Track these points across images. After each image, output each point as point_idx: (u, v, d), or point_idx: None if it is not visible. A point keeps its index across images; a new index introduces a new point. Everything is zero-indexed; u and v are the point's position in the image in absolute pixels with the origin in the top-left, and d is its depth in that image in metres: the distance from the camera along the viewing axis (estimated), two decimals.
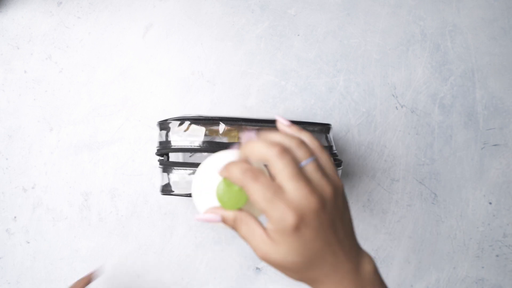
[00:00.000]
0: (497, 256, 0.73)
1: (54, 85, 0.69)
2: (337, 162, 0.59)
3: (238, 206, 0.34)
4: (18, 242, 0.69)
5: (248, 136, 0.34)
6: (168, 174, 0.58)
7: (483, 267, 0.73)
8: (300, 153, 0.32)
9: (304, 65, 0.71)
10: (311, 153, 0.33)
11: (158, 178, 0.68)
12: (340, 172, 0.60)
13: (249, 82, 0.70)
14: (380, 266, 0.72)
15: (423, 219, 0.72)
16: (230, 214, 0.34)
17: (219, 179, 0.35)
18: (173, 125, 0.57)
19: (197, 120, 0.56)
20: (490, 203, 0.72)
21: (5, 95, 0.68)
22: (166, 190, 0.58)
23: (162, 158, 0.59)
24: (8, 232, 0.69)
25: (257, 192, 0.30)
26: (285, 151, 0.31)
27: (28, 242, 0.69)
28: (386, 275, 0.72)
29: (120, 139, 0.69)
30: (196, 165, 0.57)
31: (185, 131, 0.57)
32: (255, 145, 0.32)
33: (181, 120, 0.57)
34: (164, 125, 0.58)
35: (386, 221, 0.72)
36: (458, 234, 0.72)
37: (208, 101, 0.70)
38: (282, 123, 0.35)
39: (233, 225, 0.34)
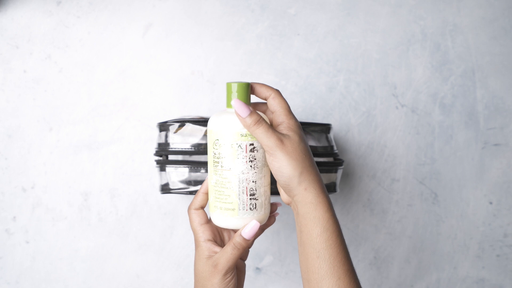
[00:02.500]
0: (497, 256, 0.73)
1: (54, 84, 0.69)
2: (338, 162, 0.59)
3: None
4: (17, 242, 0.69)
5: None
6: (166, 173, 0.58)
7: (483, 267, 0.73)
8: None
9: (304, 64, 0.70)
10: None
11: (157, 178, 0.68)
12: (341, 171, 0.60)
13: (249, 81, 0.70)
14: (380, 266, 0.72)
15: (424, 219, 0.72)
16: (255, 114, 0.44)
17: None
18: (173, 127, 0.57)
19: (197, 122, 0.56)
20: (491, 203, 0.72)
21: (4, 94, 0.68)
22: (166, 188, 0.58)
23: (161, 158, 0.59)
24: (7, 232, 0.69)
25: (260, 133, 0.42)
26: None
27: (28, 242, 0.69)
28: (386, 275, 0.72)
29: (120, 139, 0.69)
30: (194, 163, 0.57)
31: (184, 133, 0.56)
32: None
33: (181, 121, 0.57)
34: (164, 127, 0.58)
35: (386, 221, 0.72)
36: (459, 234, 0.72)
37: (208, 101, 0.70)
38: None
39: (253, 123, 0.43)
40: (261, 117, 0.43)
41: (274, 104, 0.44)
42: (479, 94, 0.72)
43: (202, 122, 0.56)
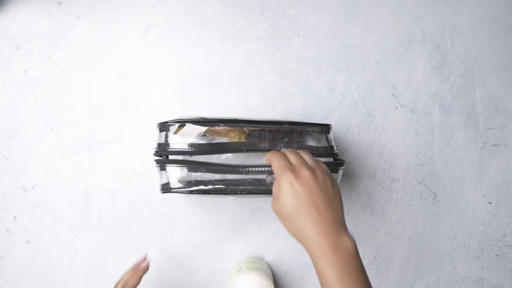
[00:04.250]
0: (497, 256, 0.73)
1: (54, 85, 0.69)
2: (338, 162, 0.59)
3: None
4: (18, 242, 0.69)
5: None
6: (167, 172, 0.58)
7: (483, 267, 0.73)
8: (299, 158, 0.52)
9: (304, 65, 0.71)
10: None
11: (157, 177, 0.68)
12: (341, 172, 0.60)
13: (249, 82, 0.70)
14: (380, 266, 0.72)
15: (423, 219, 0.72)
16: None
17: None
18: (173, 127, 0.57)
19: (197, 122, 0.56)
20: (490, 203, 0.72)
21: (5, 95, 0.68)
22: (166, 188, 0.58)
23: (161, 158, 0.59)
24: (8, 232, 0.69)
25: (276, 163, 0.49)
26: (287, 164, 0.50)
27: (28, 242, 0.69)
28: (386, 275, 0.72)
29: (120, 139, 0.69)
30: (194, 163, 0.57)
31: (184, 133, 0.57)
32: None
33: (181, 122, 0.57)
34: (164, 127, 0.58)
35: (386, 221, 0.72)
36: (458, 234, 0.72)
37: (208, 101, 0.70)
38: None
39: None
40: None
41: (269, 160, 0.53)
42: (479, 95, 0.72)
43: (202, 122, 0.56)
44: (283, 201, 0.46)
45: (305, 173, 0.47)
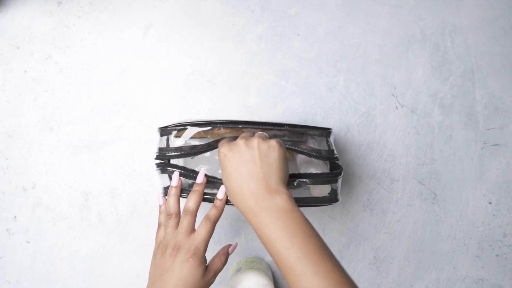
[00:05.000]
0: (497, 256, 0.73)
1: (54, 85, 0.69)
2: (337, 171, 0.58)
3: None
4: (18, 242, 0.69)
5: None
6: (168, 176, 0.58)
7: (483, 267, 0.73)
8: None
9: (304, 65, 0.71)
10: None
11: (158, 180, 0.68)
12: (340, 180, 0.58)
13: (249, 82, 0.70)
14: (380, 266, 0.72)
15: (423, 219, 0.72)
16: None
17: None
18: (174, 131, 0.57)
19: (197, 125, 0.56)
20: (490, 203, 0.72)
21: (5, 95, 0.68)
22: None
23: (163, 161, 0.59)
24: (8, 232, 0.69)
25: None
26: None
27: (28, 242, 0.69)
28: (386, 275, 0.72)
29: (120, 139, 0.69)
30: (195, 172, 0.57)
31: (185, 137, 0.57)
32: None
33: (182, 125, 0.57)
34: (165, 131, 0.58)
35: (386, 221, 0.72)
36: (458, 234, 0.72)
37: (208, 101, 0.70)
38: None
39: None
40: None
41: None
42: (479, 95, 0.72)
43: (203, 124, 0.56)
44: (223, 174, 0.48)
45: (238, 142, 0.48)
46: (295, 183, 0.53)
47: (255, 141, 0.48)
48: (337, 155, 0.59)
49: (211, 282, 0.50)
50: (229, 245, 0.55)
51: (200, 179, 0.53)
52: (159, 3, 0.70)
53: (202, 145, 0.55)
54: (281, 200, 0.44)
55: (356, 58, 0.71)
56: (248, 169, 0.46)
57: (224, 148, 0.48)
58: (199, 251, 0.49)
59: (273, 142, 0.48)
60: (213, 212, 0.52)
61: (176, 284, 0.46)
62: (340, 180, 0.58)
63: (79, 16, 0.69)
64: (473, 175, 0.72)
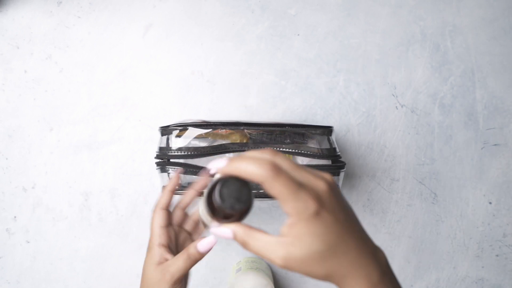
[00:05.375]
0: (497, 256, 0.73)
1: (54, 85, 0.69)
2: (340, 164, 0.59)
3: None
4: (18, 242, 0.69)
5: (219, 162, 0.34)
6: (168, 175, 0.58)
7: (483, 267, 0.73)
8: (286, 163, 0.33)
9: (304, 65, 0.71)
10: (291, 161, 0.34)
11: (158, 179, 0.68)
12: (342, 174, 0.60)
13: (249, 82, 0.70)
14: None
15: (423, 219, 0.72)
16: (239, 229, 0.34)
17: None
18: (175, 131, 0.57)
19: (198, 125, 0.56)
20: (490, 203, 0.72)
21: (4, 94, 0.68)
22: None
23: (163, 161, 0.59)
24: (8, 232, 0.69)
25: (282, 186, 0.31)
26: (277, 168, 0.32)
27: (28, 242, 0.69)
28: None
29: (120, 139, 0.69)
30: (197, 166, 0.57)
31: (186, 137, 0.57)
32: (243, 164, 0.32)
33: (183, 125, 0.57)
34: (166, 131, 0.58)
35: (386, 221, 0.72)
36: (458, 234, 0.72)
37: (208, 101, 0.70)
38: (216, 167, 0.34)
39: (242, 241, 0.34)
40: (244, 228, 0.34)
41: (272, 192, 0.32)
42: (479, 95, 0.72)
43: (204, 125, 0.56)
44: (311, 244, 0.31)
45: (321, 188, 0.32)
46: None
47: (331, 184, 0.33)
48: (339, 153, 0.60)
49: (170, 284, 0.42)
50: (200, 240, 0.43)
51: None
52: (159, 3, 0.70)
53: (204, 148, 0.55)
54: (383, 254, 0.35)
55: (356, 58, 0.71)
56: (349, 226, 0.34)
57: (312, 204, 0.32)
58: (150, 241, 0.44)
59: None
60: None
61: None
62: (342, 174, 0.59)
63: (79, 16, 0.69)
64: (473, 175, 0.72)
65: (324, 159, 0.58)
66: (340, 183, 0.59)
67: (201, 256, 0.42)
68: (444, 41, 0.72)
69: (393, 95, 0.71)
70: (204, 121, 0.59)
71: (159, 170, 0.58)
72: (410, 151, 0.72)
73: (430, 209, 0.72)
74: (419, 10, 0.72)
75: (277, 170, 0.31)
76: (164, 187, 0.49)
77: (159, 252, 0.44)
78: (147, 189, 0.69)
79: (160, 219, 0.46)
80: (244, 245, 0.34)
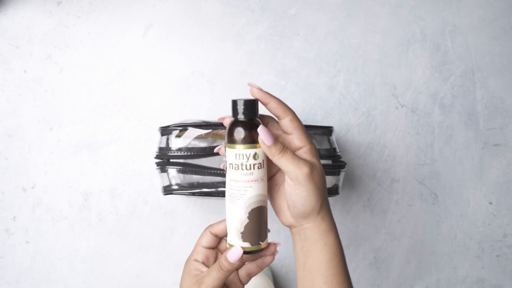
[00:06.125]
0: (497, 256, 0.73)
1: (54, 85, 0.69)
2: (340, 164, 0.59)
3: None
4: (17, 242, 0.69)
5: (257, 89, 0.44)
6: (168, 174, 0.58)
7: (483, 267, 0.73)
8: None
9: (304, 65, 0.71)
10: None
11: (158, 179, 0.68)
12: (343, 174, 0.60)
13: (249, 81, 0.70)
14: (380, 267, 0.72)
15: (423, 219, 0.72)
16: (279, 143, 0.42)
17: None
18: (175, 131, 0.57)
19: (198, 126, 0.56)
20: (491, 203, 0.72)
21: (4, 94, 0.68)
22: (168, 190, 0.58)
23: (163, 161, 0.59)
24: (8, 232, 0.69)
25: (286, 162, 0.40)
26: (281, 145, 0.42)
27: (28, 242, 0.69)
28: (386, 275, 0.72)
29: (120, 139, 0.69)
30: (196, 166, 0.57)
31: (186, 137, 0.57)
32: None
33: (183, 126, 0.57)
34: (166, 131, 0.58)
35: (386, 221, 0.72)
36: (458, 234, 0.72)
37: (208, 100, 0.70)
38: (254, 87, 0.44)
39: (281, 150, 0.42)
40: (284, 145, 0.41)
41: (291, 126, 0.42)
42: (479, 95, 0.72)
43: (204, 126, 0.56)
44: (322, 171, 0.42)
45: (315, 162, 0.43)
46: None
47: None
48: (339, 153, 0.60)
49: None
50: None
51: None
52: (159, 3, 0.70)
53: (204, 148, 0.55)
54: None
55: (356, 58, 0.71)
56: (324, 186, 0.43)
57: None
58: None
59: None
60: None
61: None
62: (342, 174, 0.59)
63: (79, 16, 0.69)
64: (473, 175, 0.72)
65: (324, 159, 0.58)
66: (340, 183, 0.59)
67: (231, 266, 0.44)
68: (444, 41, 0.72)
69: (393, 95, 0.71)
70: (204, 122, 0.59)
71: (159, 170, 0.58)
72: (410, 151, 0.72)
73: (431, 209, 0.72)
74: (419, 10, 0.72)
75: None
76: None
77: (195, 265, 0.47)
78: (147, 189, 0.69)
79: (205, 239, 0.48)
80: (281, 153, 0.41)
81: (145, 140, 0.69)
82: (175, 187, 0.57)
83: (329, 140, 0.60)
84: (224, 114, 0.70)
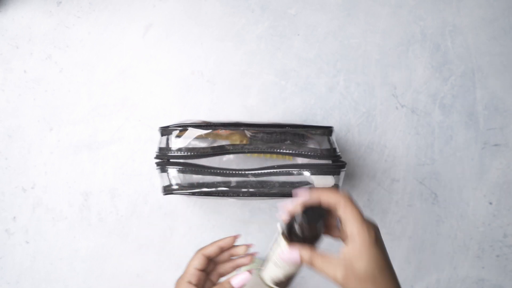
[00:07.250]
0: (497, 256, 0.73)
1: (54, 85, 0.69)
2: (340, 163, 0.59)
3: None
4: (17, 242, 0.69)
5: (301, 191, 0.44)
6: (168, 175, 0.58)
7: (483, 268, 0.73)
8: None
9: (304, 65, 0.71)
10: None
11: (158, 179, 0.68)
12: (343, 174, 0.60)
13: (249, 82, 0.70)
14: None
15: (423, 219, 0.72)
16: (305, 253, 0.43)
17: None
18: (175, 132, 0.57)
19: (198, 126, 0.56)
20: (491, 203, 0.72)
21: (4, 94, 0.68)
22: (168, 190, 0.58)
23: (162, 161, 0.59)
24: (7, 232, 0.69)
25: (355, 210, 0.41)
26: (350, 196, 0.43)
27: (28, 242, 0.69)
28: None
29: (120, 139, 0.69)
30: (196, 166, 0.57)
31: (186, 137, 0.57)
32: (324, 193, 0.43)
33: (183, 126, 0.57)
34: (166, 131, 0.58)
35: (386, 221, 0.72)
36: (459, 234, 0.72)
37: (208, 100, 0.70)
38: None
39: (309, 261, 0.43)
40: (310, 251, 0.42)
41: (345, 213, 0.41)
42: (479, 95, 0.72)
43: (204, 126, 0.56)
44: (367, 265, 0.40)
45: (376, 226, 0.42)
46: (295, 172, 0.54)
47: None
48: (339, 153, 0.60)
49: None
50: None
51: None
52: (159, 3, 0.70)
53: (204, 148, 0.55)
54: None
55: (356, 58, 0.71)
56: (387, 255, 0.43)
57: (375, 228, 0.42)
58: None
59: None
60: None
61: None
62: (342, 174, 0.59)
63: (79, 16, 0.69)
64: (473, 175, 0.72)
65: (324, 159, 0.58)
66: (340, 183, 0.59)
67: None
68: (444, 41, 0.72)
69: (393, 95, 0.71)
70: (204, 122, 0.59)
71: (159, 170, 0.58)
72: (410, 151, 0.72)
73: (431, 209, 0.72)
74: (419, 10, 0.72)
75: (351, 197, 0.42)
76: (218, 240, 0.50)
77: (189, 287, 0.47)
78: (147, 189, 0.69)
79: (197, 261, 0.48)
80: (310, 264, 0.42)
81: (145, 140, 0.69)
82: (175, 187, 0.58)
83: (329, 140, 0.60)
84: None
